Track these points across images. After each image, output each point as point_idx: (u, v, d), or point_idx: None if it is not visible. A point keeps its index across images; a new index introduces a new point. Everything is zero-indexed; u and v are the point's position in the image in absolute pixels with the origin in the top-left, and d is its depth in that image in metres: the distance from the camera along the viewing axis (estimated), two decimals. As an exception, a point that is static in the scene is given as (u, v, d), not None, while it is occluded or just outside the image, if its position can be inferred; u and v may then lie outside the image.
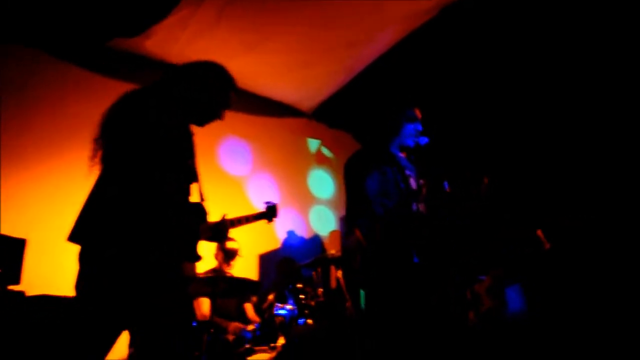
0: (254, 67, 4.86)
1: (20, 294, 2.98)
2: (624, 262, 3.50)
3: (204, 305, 4.09)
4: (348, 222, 3.13)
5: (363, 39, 4.58)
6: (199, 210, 2.21)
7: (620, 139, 3.79)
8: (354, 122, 5.66)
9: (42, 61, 4.11)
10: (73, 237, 1.81)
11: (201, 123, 2.29)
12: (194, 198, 2.16)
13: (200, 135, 4.65)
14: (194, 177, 2.18)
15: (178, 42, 4.45)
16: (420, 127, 3.25)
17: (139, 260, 1.80)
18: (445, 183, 3.35)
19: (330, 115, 5.64)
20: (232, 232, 2.74)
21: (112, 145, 1.94)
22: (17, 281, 3.10)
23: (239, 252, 4.27)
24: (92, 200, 1.88)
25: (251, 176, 5.05)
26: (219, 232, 2.42)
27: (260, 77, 5.06)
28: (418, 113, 3.30)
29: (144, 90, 2.10)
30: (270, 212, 2.97)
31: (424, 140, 3.28)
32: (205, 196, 2.26)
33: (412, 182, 3.21)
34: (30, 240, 3.20)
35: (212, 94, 2.25)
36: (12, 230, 3.35)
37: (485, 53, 4.38)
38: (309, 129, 5.57)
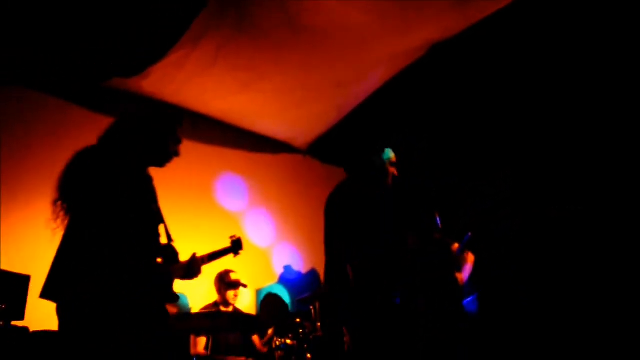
0: (249, 105, 4.97)
1: (24, 329, 2.97)
2: (612, 252, 3.56)
3: (200, 344, 4.05)
4: (337, 261, 2.90)
5: (353, 79, 4.70)
6: (169, 251, 2.28)
7: (605, 131, 3.85)
8: (346, 157, 5.75)
9: (42, 101, 4.20)
10: (47, 294, 1.91)
11: (160, 164, 2.34)
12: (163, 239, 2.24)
13: (198, 171, 4.75)
14: (159, 219, 2.24)
15: (174, 82, 4.52)
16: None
17: (115, 312, 1.87)
18: (438, 218, 3.40)
19: (323, 151, 5.76)
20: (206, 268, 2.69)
21: (75, 207, 2.04)
22: (21, 317, 3.12)
23: (241, 282, 4.23)
24: (61, 259, 1.96)
25: (247, 212, 5.09)
26: (191, 270, 2.42)
27: (255, 115, 5.17)
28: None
29: (96, 148, 2.19)
30: (235, 246, 3.00)
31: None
32: (173, 237, 2.32)
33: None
34: (34, 276, 3.16)
35: (159, 134, 2.31)
36: (12, 266, 3.34)
37: (475, 88, 4.51)
38: (303, 165, 5.67)
